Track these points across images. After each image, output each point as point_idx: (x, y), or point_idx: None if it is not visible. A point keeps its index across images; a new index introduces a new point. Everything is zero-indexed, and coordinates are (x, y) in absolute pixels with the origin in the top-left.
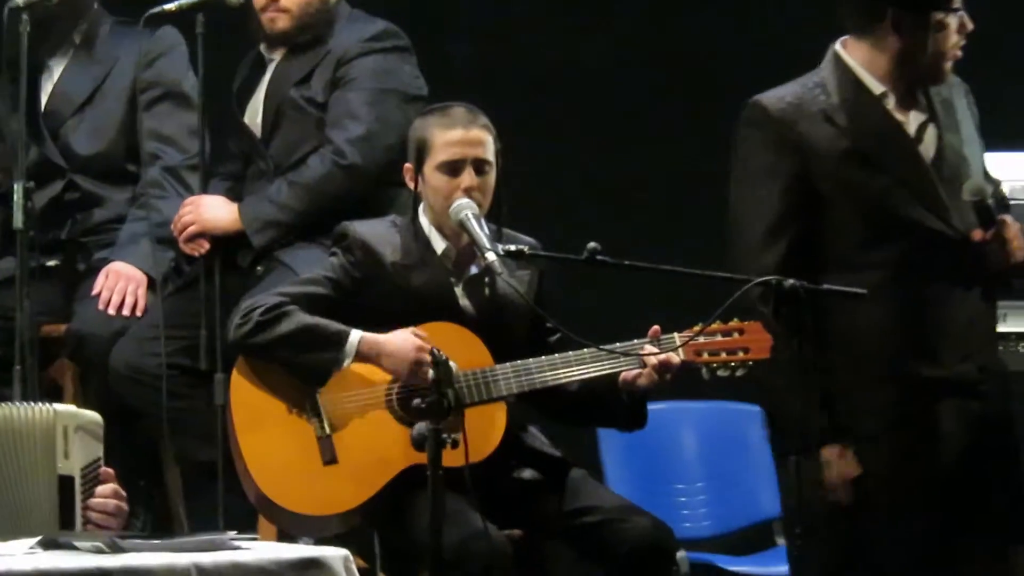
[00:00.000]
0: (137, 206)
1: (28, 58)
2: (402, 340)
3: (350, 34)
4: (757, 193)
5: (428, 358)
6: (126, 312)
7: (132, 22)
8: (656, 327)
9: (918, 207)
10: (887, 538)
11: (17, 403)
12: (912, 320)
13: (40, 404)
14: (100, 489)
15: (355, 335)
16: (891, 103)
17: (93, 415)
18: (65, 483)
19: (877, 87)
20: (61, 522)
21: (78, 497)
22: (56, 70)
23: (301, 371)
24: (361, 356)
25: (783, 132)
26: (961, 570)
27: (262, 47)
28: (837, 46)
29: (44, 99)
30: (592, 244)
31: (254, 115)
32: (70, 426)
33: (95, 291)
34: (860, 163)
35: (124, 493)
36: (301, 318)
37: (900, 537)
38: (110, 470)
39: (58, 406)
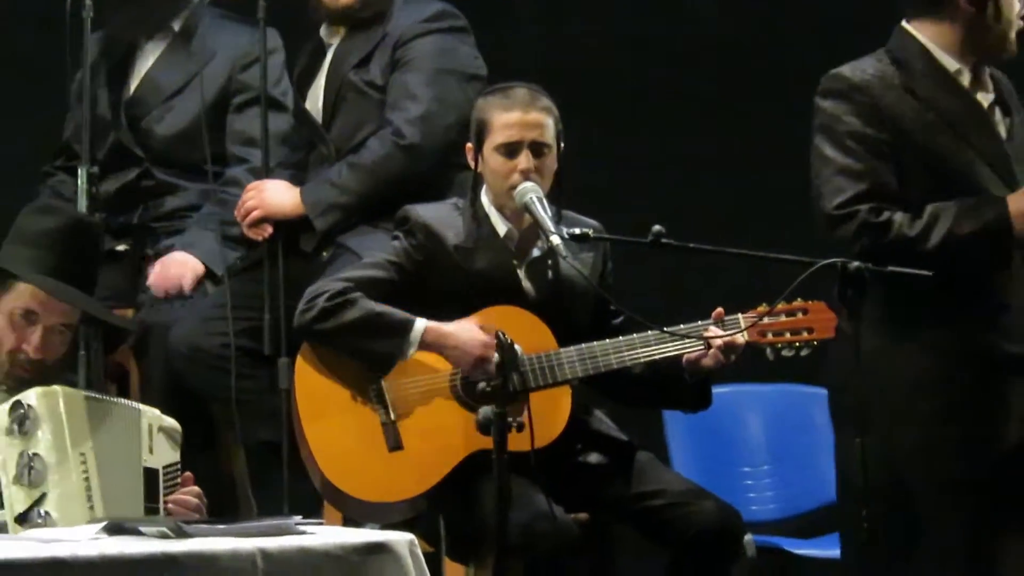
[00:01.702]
0: (213, 201)
1: (122, 39)
2: (468, 334)
3: (407, 16)
4: (843, 155)
5: (492, 354)
6: (180, 289)
7: (236, 16)
8: (720, 309)
9: (999, 183)
10: (952, 515)
11: (105, 396)
12: (990, 296)
13: (126, 401)
14: (185, 488)
15: (420, 324)
16: (966, 80)
17: (173, 423)
18: (150, 475)
19: (951, 64)
20: (146, 512)
21: (162, 490)
22: (151, 55)
23: (365, 359)
24: (425, 345)
25: (869, 102)
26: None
27: (322, 31)
28: (904, 24)
29: (134, 83)
30: (656, 227)
31: (315, 100)
32: (154, 425)
33: (149, 281)
34: (946, 136)
35: (205, 500)
36: (366, 305)
37: (964, 515)
38: (189, 474)
39: (141, 406)
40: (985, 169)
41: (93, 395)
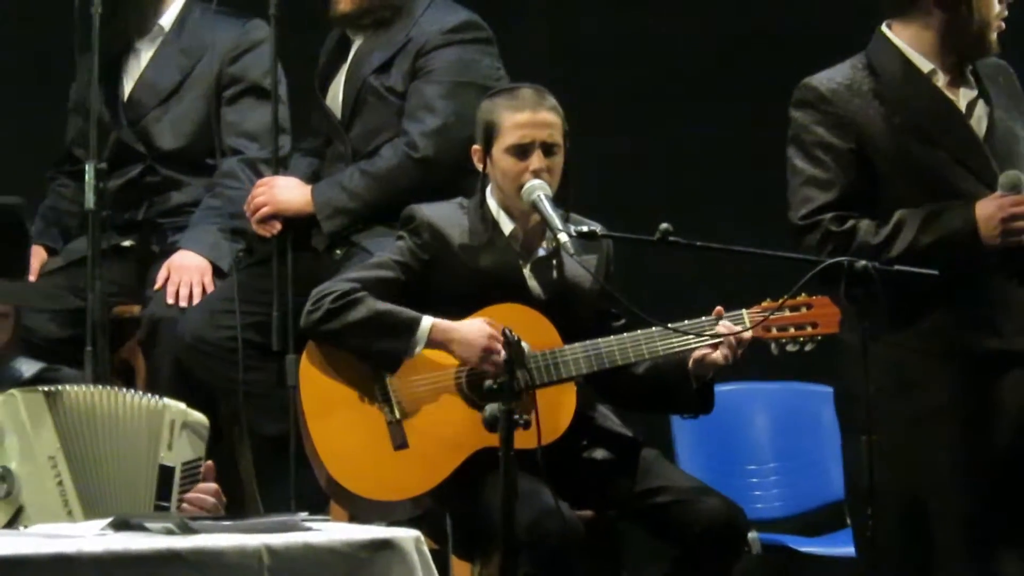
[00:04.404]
0: (211, 195)
1: (115, 38)
2: (472, 328)
3: (431, 23)
4: (812, 166)
5: (499, 346)
6: (196, 301)
7: (225, 10)
8: (719, 308)
9: (974, 181)
10: (948, 512)
11: (130, 391)
12: (973, 293)
13: (151, 396)
14: (202, 486)
15: (427, 322)
16: (940, 80)
17: (201, 417)
18: (165, 473)
19: (925, 65)
20: (156, 508)
21: (175, 489)
22: (144, 55)
23: (372, 358)
24: (432, 343)
25: (836, 111)
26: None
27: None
28: (883, 27)
29: (129, 85)
30: (664, 225)
31: (335, 98)
32: (177, 421)
33: (158, 285)
34: (914, 138)
35: (224, 499)
36: (372, 304)
37: (961, 511)
38: (210, 463)
39: (168, 401)
40: (959, 169)
41: (96, 388)
